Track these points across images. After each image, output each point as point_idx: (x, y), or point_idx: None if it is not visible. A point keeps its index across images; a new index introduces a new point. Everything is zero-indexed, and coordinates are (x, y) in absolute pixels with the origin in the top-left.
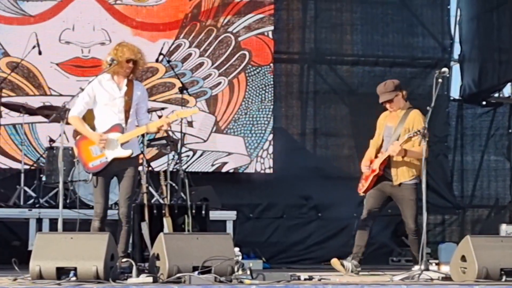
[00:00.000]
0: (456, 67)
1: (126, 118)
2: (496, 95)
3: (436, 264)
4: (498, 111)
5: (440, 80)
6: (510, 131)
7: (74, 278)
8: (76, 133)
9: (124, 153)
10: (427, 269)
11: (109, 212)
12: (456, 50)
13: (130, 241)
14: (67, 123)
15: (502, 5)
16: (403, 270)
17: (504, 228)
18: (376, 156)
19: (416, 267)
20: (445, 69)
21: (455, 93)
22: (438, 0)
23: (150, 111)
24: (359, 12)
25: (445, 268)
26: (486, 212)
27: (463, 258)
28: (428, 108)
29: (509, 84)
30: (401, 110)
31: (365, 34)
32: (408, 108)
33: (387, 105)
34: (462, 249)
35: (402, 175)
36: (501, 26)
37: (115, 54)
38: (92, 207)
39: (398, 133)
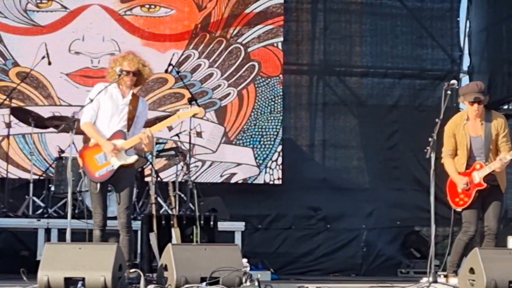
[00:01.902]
0: (465, 79)
1: (129, 126)
2: (506, 107)
3: (445, 276)
4: (508, 123)
5: (449, 92)
6: None
7: None
8: (86, 138)
9: (130, 159)
10: (435, 281)
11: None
12: (466, 62)
13: (139, 251)
14: (77, 133)
15: None
16: (411, 282)
17: None
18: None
19: (425, 279)
20: (454, 81)
21: (464, 105)
22: (448, 12)
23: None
24: (369, 23)
25: (453, 281)
26: None
27: (472, 270)
28: (436, 120)
29: None
30: (480, 117)
31: (374, 45)
32: (487, 112)
33: (476, 105)
34: (470, 261)
35: (502, 180)
36: (511, 38)
37: (115, 65)
38: None
39: (488, 141)
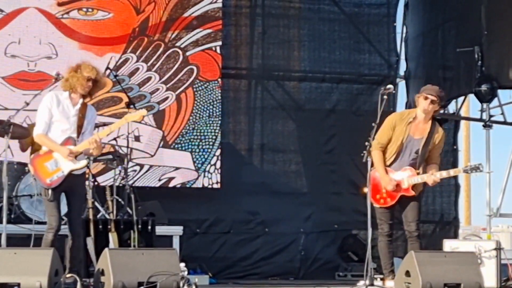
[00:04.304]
0: (402, 84)
1: (78, 133)
2: (441, 111)
3: (381, 279)
4: (443, 127)
5: (385, 96)
6: (455, 147)
7: None
8: (22, 144)
9: (80, 164)
10: (372, 284)
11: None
12: (402, 67)
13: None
14: (12, 138)
15: (447, 23)
16: (349, 285)
17: (448, 243)
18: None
19: (362, 282)
20: (390, 86)
21: (401, 109)
22: (384, 17)
23: (97, 126)
24: (307, 28)
25: (390, 283)
26: (431, 228)
27: (408, 273)
28: (373, 124)
29: (453, 101)
30: (426, 122)
31: (312, 50)
32: (433, 122)
33: (429, 102)
34: (406, 264)
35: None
36: (446, 43)
37: (75, 72)
38: (37, 222)
39: (427, 149)
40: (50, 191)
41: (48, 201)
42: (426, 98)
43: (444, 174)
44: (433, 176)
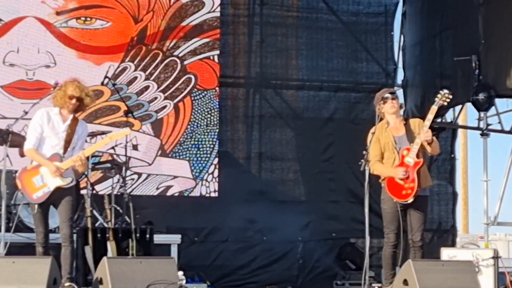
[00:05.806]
0: (399, 92)
1: (66, 148)
2: (439, 120)
3: (379, 287)
4: (441, 136)
5: None
6: (452, 155)
7: None
8: (22, 151)
9: (65, 181)
10: None
11: (53, 236)
12: (400, 76)
13: (74, 264)
14: (11, 146)
15: (445, 32)
16: None
17: (445, 252)
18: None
19: None
20: (388, 95)
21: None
22: (382, 26)
23: (95, 134)
24: (304, 37)
25: None
26: (429, 236)
27: (405, 282)
28: (371, 133)
29: (451, 109)
30: (400, 121)
31: (310, 59)
32: (404, 119)
33: (391, 101)
34: (404, 273)
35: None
36: (443, 52)
37: (59, 89)
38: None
39: (412, 138)
40: (36, 206)
41: (34, 215)
42: (385, 101)
43: (426, 122)
44: (421, 133)
